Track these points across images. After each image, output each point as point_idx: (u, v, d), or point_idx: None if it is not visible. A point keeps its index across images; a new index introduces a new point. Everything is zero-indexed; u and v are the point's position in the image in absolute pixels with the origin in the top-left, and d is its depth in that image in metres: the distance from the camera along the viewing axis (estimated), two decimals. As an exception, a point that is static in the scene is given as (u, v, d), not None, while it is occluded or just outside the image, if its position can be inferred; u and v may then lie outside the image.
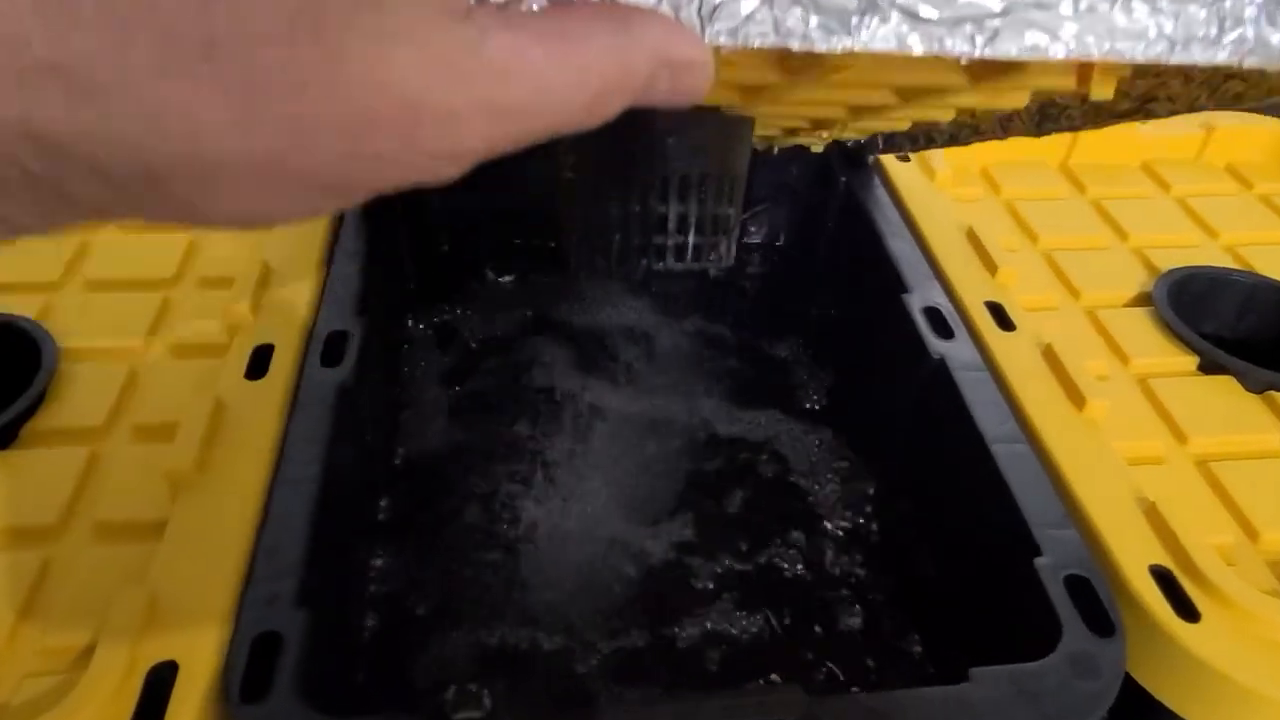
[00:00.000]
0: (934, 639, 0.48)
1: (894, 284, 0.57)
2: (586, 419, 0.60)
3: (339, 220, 0.60)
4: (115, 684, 0.35)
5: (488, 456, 0.57)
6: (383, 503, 0.54)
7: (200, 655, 0.37)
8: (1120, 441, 0.48)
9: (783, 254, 0.74)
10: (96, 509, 0.43)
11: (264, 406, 0.47)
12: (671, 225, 0.45)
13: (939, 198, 0.63)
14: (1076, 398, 0.48)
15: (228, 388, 0.48)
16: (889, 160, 0.67)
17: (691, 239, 0.46)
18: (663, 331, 0.67)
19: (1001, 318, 0.54)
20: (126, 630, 0.37)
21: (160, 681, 0.36)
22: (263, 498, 0.43)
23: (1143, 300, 0.58)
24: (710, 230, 0.46)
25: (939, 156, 0.66)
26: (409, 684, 0.45)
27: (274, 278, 0.55)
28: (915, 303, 0.55)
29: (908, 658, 0.47)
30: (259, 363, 0.49)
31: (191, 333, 0.52)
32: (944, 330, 0.53)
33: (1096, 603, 0.40)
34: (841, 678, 0.46)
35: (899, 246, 0.59)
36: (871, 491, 0.56)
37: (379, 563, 0.51)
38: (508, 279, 0.70)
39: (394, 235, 0.65)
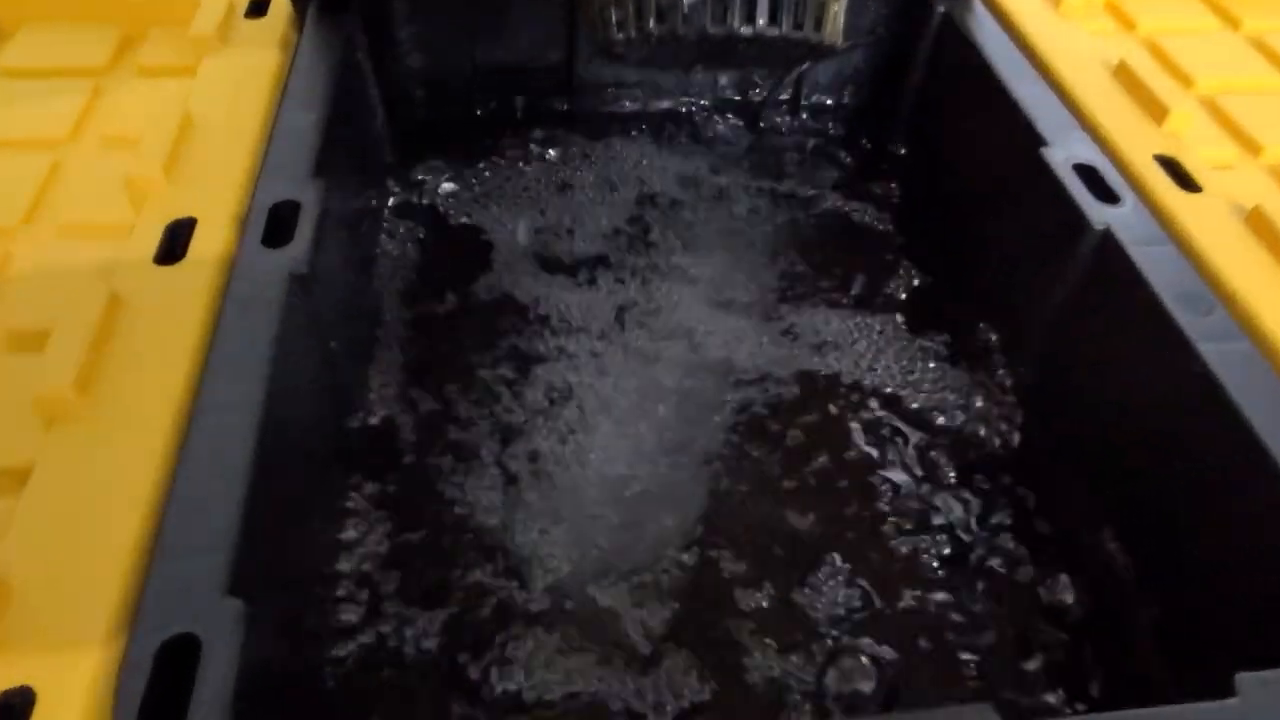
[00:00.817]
0: (1152, 630, 0.35)
1: (1025, 138, 0.43)
2: (615, 323, 0.46)
3: (289, 65, 0.45)
4: (-64, 727, 0.23)
5: (493, 371, 0.44)
6: (357, 439, 0.41)
7: (71, 677, 0.24)
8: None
9: (855, 112, 0.59)
10: (-64, 451, 0.30)
11: (180, 303, 0.33)
12: None
13: (1072, 30, 0.49)
14: (1310, 278, 0.35)
15: (129, 277, 0.34)
16: (997, -14, 0.52)
17: None
18: (704, 207, 0.53)
19: (1181, 176, 0.40)
20: (-41, 639, 0.24)
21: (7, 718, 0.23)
22: (177, 433, 0.29)
23: (1342, 157, 0.45)
24: None
25: (1064, -22, 0.51)
26: (396, 706, 0.33)
27: (199, 133, 0.40)
28: (1059, 158, 0.41)
29: (1111, 656, 0.35)
30: (174, 243, 0.35)
31: (86, 206, 0.39)
32: (1105, 194, 0.39)
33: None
34: (1041, 693, 0.34)
35: (1026, 89, 0.45)
36: (1015, 426, 0.43)
37: (353, 528, 0.38)
38: (508, 143, 0.55)
39: (362, 89, 0.51)
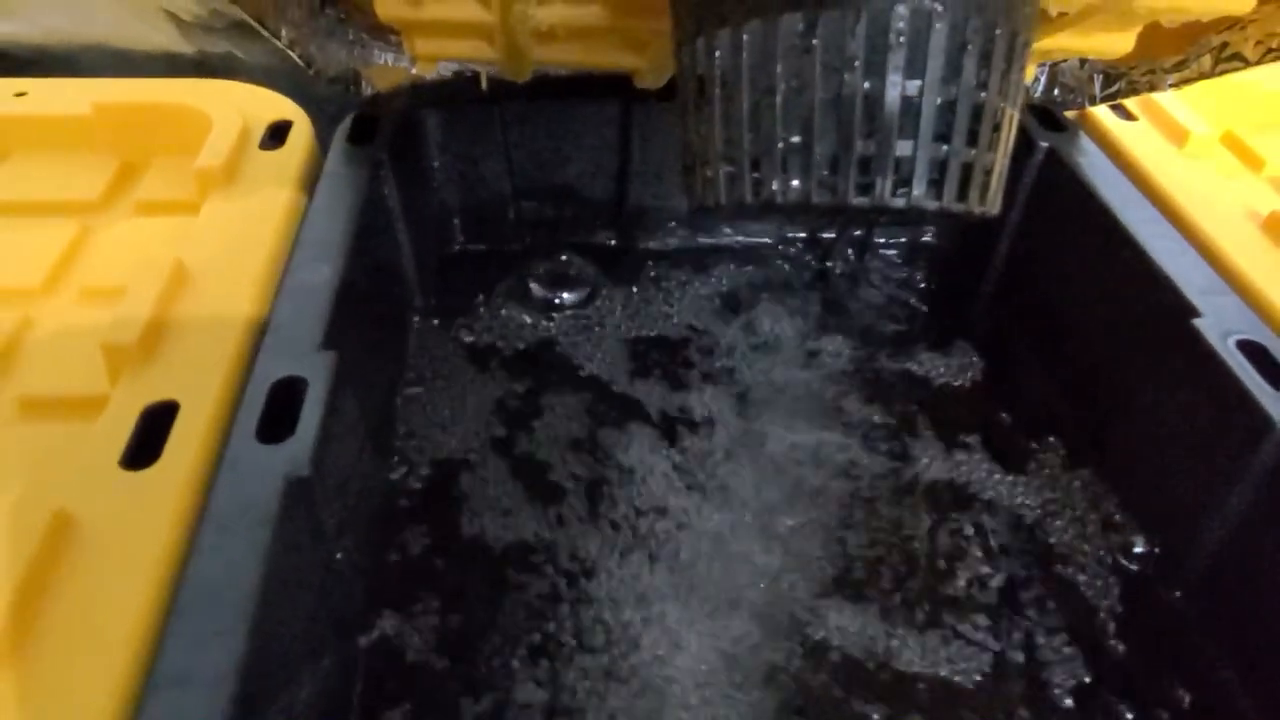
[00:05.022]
0: None
1: (1167, 305, 0.36)
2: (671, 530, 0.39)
3: (305, 205, 0.39)
4: None
5: (529, 568, 0.37)
6: (362, 693, 0.33)
7: None
8: None
9: (935, 253, 0.53)
10: None
11: (144, 526, 0.26)
12: (926, 122, 0.24)
13: (1201, 171, 0.43)
14: None
15: (87, 486, 0.27)
16: (1107, 119, 0.46)
17: (953, 153, 0.25)
18: (767, 368, 0.46)
19: (1375, 360, 0.33)
20: None
21: None
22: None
23: None
24: (987, 138, 0.26)
25: (1186, 111, 0.45)
26: None
27: (193, 287, 0.34)
28: (1215, 333, 0.34)
29: None
30: (148, 436, 0.29)
31: (51, 378, 0.32)
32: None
33: None
34: None
35: (1162, 243, 0.38)
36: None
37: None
38: (557, 292, 0.49)
39: (389, 228, 0.44)
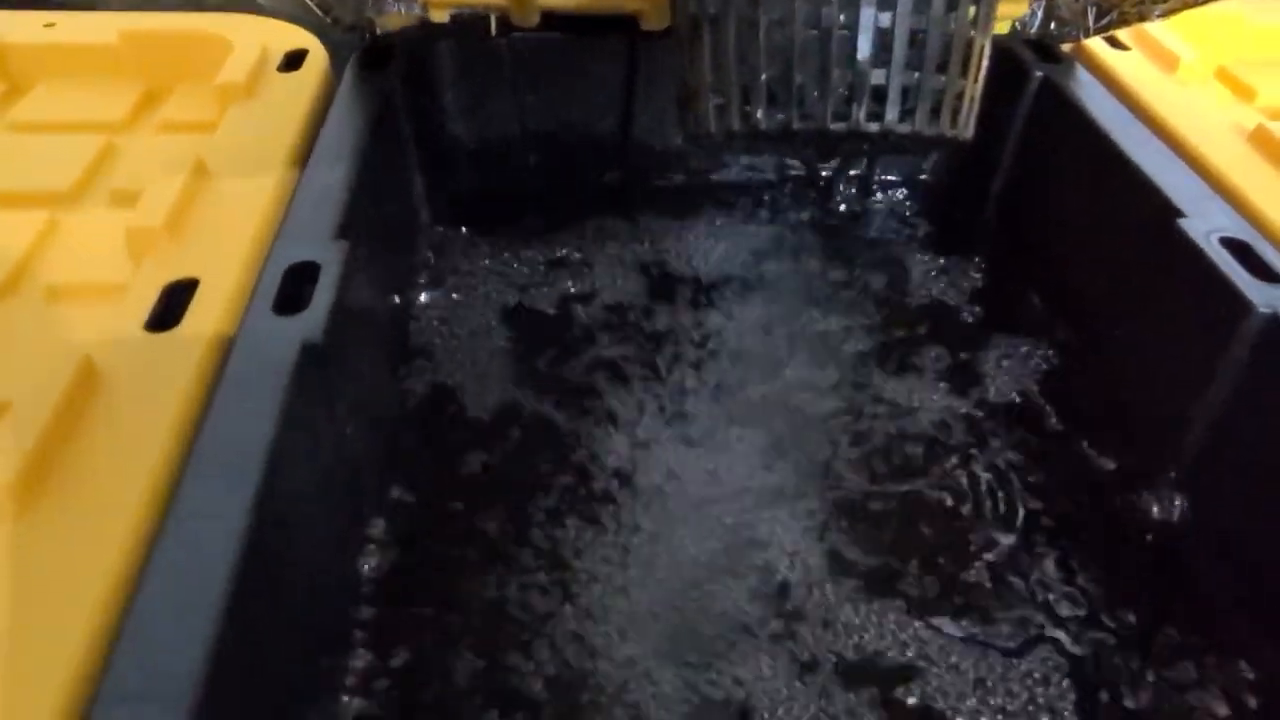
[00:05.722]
0: None
1: (1155, 210, 0.37)
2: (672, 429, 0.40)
3: (320, 120, 0.41)
4: None
5: (534, 487, 0.38)
6: (370, 557, 0.34)
7: None
8: None
9: (932, 188, 0.54)
10: None
11: (166, 377, 0.28)
12: (898, 51, 0.26)
13: (1192, 95, 0.44)
14: None
15: (112, 346, 0.29)
16: (1100, 50, 0.47)
17: (925, 79, 0.27)
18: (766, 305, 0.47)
19: (1354, 254, 0.34)
20: None
21: None
22: (140, 549, 0.24)
23: None
24: (958, 65, 0.27)
25: (1176, 40, 0.46)
26: None
27: (213, 186, 0.36)
28: (1200, 231, 0.35)
29: None
30: (171, 308, 0.30)
31: (80, 266, 0.34)
32: (1264, 271, 0.33)
33: None
34: None
35: (1151, 156, 0.39)
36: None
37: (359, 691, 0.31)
38: (553, 221, 0.50)
39: (400, 152, 0.46)
